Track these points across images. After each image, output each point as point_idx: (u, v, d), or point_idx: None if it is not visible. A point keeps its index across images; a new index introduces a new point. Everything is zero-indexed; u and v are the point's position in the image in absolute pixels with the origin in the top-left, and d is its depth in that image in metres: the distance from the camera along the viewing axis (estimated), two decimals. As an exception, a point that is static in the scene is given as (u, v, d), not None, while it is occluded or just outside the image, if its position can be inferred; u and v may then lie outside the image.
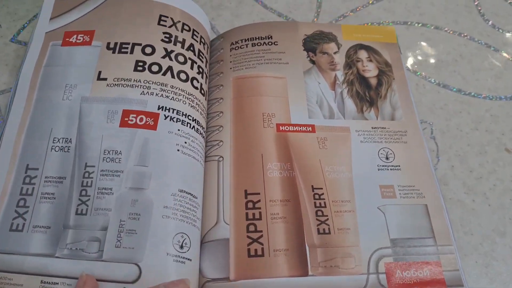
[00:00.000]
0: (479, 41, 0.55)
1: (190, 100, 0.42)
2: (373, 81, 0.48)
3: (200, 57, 0.46)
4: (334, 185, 0.40)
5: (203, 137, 0.43)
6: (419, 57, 0.54)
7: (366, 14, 0.57)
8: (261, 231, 0.38)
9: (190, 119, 0.41)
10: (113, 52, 0.43)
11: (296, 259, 0.37)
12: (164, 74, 0.42)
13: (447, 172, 0.46)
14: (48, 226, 0.36)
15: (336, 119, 0.45)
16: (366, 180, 0.41)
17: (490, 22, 0.57)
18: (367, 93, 0.47)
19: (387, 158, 0.43)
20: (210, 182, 0.41)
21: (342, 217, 0.39)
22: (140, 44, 0.44)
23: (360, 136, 0.44)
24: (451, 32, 0.56)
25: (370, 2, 0.58)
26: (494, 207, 0.44)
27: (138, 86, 0.41)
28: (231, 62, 0.48)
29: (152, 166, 0.38)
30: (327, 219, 0.39)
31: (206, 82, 0.46)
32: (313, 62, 0.48)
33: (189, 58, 0.44)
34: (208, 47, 0.48)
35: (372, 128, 0.45)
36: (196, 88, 0.44)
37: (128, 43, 0.44)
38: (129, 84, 0.41)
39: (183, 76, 0.43)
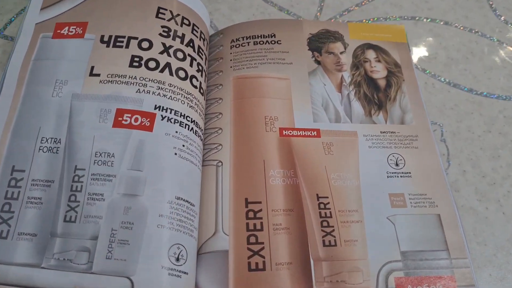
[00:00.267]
0: (491, 38, 0.53)
1: (188, 99, 0.40)
2: (382, 83, 0.46)
3: (200, 53, 0.43)
4: (341, 194, 0.39)
5: (201, 139, 0.41)
6: (428, 54, 0.52)
7: (372, 8, 0.55)
8: (262, 243, 0.36)
9: (189, 120, 0.39)
10: (107, 46, 0.41)
11: (300, 274, 0.36)
12: (161, 71, 0.40)
13: (458, 178, 0.44)
14: (34, 234, 0.34)
15: (343, 123, 0.43)
16: (375, 188, 0.40)
17: (503, 18, 0.55)
18: (376, 95, 0.45)
19: (397, 165, 0.41)
20: (208, 188, 0.39)
21: (349, 228, 0.37)
22: (136, 38, 0.41)
23: (368, 141, 0.42)
24: (461, 28, 0.54)
25: (377, -4, 0.56)
26: (508, 215, 0.42)
27: (133, 84, 0.39)
28: (231, 60, 0.45)
29: (147, 170, 0.36)
30: (333, 230, 0.37)
31: (205, 81, 0.44)
32: (318, 62, 0.46)
33: (189, 55, 0.42)
34: (207, 43, 0.46)
35: (380, 132, 0.43)
36: (195, 87, 0.41)
37: (124, 37, 0.41)
38: (123, 81, 0.39)
39: (182, 73, 0.41)
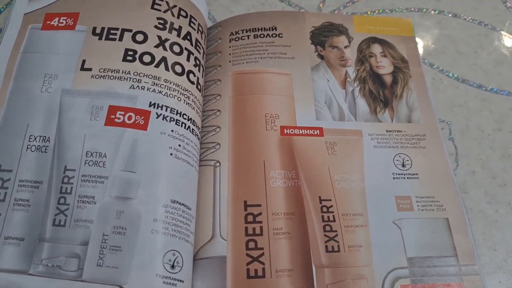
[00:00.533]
0: (501, 31, 0.52)
1: (185, 96, 0.38)
2: (388, 79, 0.44)
3: (197, 47, 0.42)
4: (344, 196, 0.37)
5: (198, 138, 0.39)
6: (435, 48, 0.50)
7: (377, -1, 0.53)
8: (262, 249, 0.35)
9: (185, 119, 0.37)
10: (100, 39, 0.39)
11: (301, 281, 0.34)
12: (157, 65, 0.38)
13: (467, 179, 0.42)
14: (22, 238, 0.33)
15: (347, 121, 0.41)
16: (380, 191, 0.38)
17: (514, 11, 0.54)
18: (381, 92, 0.43)
19: (403, 166, 0.40)
20: (205, 190, 0.37)
21: (353, 233, 0.36)
22: (130, 30, 0.40)
23: (373, 141, 0.40)
24: (470, 20, 0.52)
25: (382, -13, 0.54)
26: (519, 219, 0.41)
27: (127, 79, 0.37)
28: (230, 54, 0.44)
29: (141, 172, 0.34)
30: (336, 235, 0.35)
31: (202, 76, 0.42)
32: (321, 57, 0.45)
33: (186, 49, 0.40)
34: (205, 36, 0.44)
35: (386, 131, 0.41)
36: (193, 82, 0.39)
37: (117, 29, 0.40)
38: (117, 76, 0.37)
39: (178, 68, 0.39)
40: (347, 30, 0.46)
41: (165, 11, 0.41)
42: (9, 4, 0.49)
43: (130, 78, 0.37)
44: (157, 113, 0.36)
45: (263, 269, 0.34)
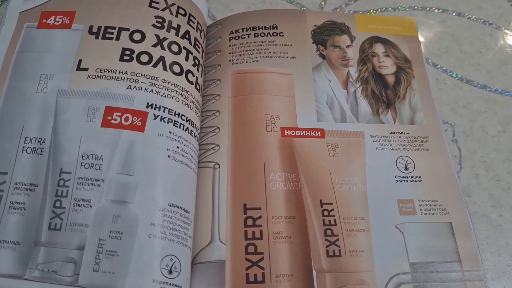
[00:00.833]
0: (506, 30, 0.51)
1: (184, 97, 0.37)
2: (391, 79, 0.44)
3: (196, 46, 0.41)
4: (346, 200, 0.36)
5: (197, 140, 0.38)
6: (439, 48, 0.50)
7: (380, -4, 0.53)
8: (262, 253, 0.34)
9: (184, 120, 0.37)
10: (96, 38, 0.39)
11: (302, 286, 0.34)
12: (154, 65, 0.38)
13: (470, 182, 0.42)
14: (18, 242, 0.32)
15: (349, 123, 0.41)
16: (382, 194, 0.38)
17: (519, 10, 0.53)
18: (384, 92, 0.43)
19: (406, 168, 0.39)
20: (203, 193, 0.37)
21: (354, 237, 0.35)
22: (127, 29, 0.39)
23: (375, 143, 0.40)
24: (474, 19, 0.52)
25: (385, -15, 0.53)
26: (524, 223, 0.40)
27: (124, 79, 0.37)
28: (230, 53, 0.43)
29: (138, 175, 0.33)
30: (338, 239, 0.35)
31: (201, 76, 0.41)
32: (323, 56, 0.44)
33: (184, 48, 0.39)
34: (204, 35, 0.43)
35: (389, 133, 0.41)
36: (191, 83, 0.39)
37: (114, 28, 0.39)
38: (113, 76, 0.37)
39: (176, 68, 0.38)
40: (349, 29, 0.46)
41: (163, 9, 0.40)
42: (4, 1, 0.48)
43: (127, 78, 0.37)
44: (154, 114, 0.36)
45: (263, 274, 0.33)
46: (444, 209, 0.37)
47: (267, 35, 0.44)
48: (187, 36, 0.40)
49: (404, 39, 0.46)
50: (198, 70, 0.40)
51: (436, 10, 0.52)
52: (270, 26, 0.45)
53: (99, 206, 0.32)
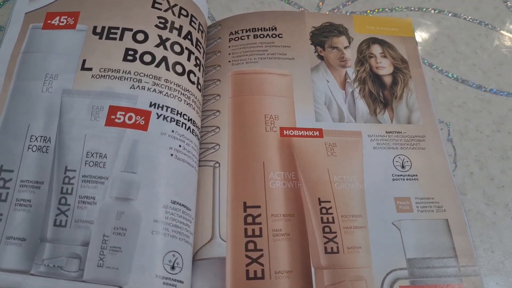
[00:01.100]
0: (502, 31, 0.51)
1: (186, 96, 0.38)
2: (388, 80, 0.44)
3: (198, 47, 0.41)
4: (344, 198, 0.37)
5: (198, 139, 0.39)
6: (435, 48, 0.50)
7: (377, -3, 0.53)
8: (261, 250, 0.35)
9: (186, 119, 0.37)
10: (100, 38, 0.39)
11: (300, 282, 0.34)
12: (157, 65, 0.38)
13: (465, 180, 0.42)
14: (24, 238, 0.33)
15: (347, 123, 0.41)
16: (380, 192, 0.38)
17: (514, 11, 0.53)
18: (381, 93, 0.43)
19: (403, 167, 0.40)
20: (204, 191, 0.37)
21: (352, 234, 0.36)
22: (131, 30, 0.39)
23: (373, 142, 0.40)
24: (470, 20, 0.52)
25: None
26: (517, 221, 0.41)
27: (127, 79, 0.37)
28: (229, 54, 0.43)
29: (142, 173, 0.34)
30: (336, 236, 0.36)
31: (202, 76, 0.42)
32: (321, 57, 0.44)
33: (186, 48, 0.40)
34: (205, 35, 0.44)
35: (386, 132, 0.41)
36: (193, 83, 0.39)
37: (117, 28, 0.39)
38: (117, 76, 0.37)
39: (179, 68, 0.39)
40: (347, 30, 0.46)
41: (165, 10, 0.41)
42: (6, 2, 0.48)
43: (131, 78, 0.37)
44: (157, 114, 0.36)
45: (263, 270, 0.34)
46: (441, 206, 0.38)
47: (266, 37, 0.45)
48: (189, 36, 0.41)
49: (401, 40, 0.46)
50: (199, 70, 0.41)
51: (432, 11, 0.53)
52: (269, 28, 0.45)
53: (103, 203, 0.33)
